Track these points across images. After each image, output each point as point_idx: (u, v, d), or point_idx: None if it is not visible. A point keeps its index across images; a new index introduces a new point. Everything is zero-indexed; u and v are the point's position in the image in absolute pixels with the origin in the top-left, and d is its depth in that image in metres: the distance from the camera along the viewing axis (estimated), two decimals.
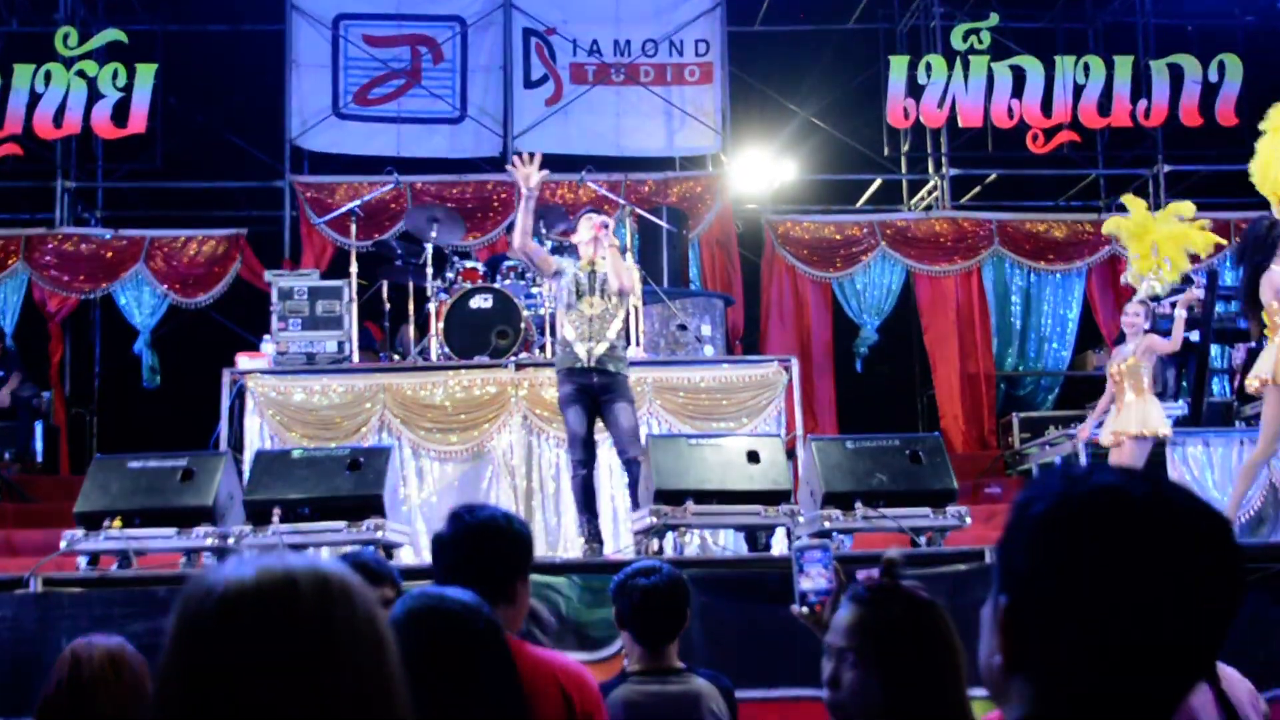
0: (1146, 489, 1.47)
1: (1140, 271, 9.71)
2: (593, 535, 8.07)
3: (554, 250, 11.31)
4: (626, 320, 8.57)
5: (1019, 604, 1.49)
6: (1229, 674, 4.41)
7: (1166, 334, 9.67)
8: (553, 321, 10.28)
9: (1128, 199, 10.11)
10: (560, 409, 8.35)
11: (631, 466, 8.04)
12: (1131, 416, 9.35)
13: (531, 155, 8.41)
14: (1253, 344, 11.80)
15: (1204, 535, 1.46)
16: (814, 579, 3.30)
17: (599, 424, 8.41)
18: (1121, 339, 9.92)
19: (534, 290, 10.68)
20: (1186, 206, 9.84)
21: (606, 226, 8.26)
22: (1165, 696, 1.48)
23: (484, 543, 3.43)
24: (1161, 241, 9.60)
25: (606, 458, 9.23)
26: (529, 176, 8.22)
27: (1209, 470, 10.31)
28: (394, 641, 2.71)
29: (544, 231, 11.38)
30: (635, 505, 7.98)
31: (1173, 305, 11.45)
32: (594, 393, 8.13)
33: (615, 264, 8.15)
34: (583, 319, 8.15)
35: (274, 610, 1.44)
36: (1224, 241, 10.28)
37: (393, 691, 1.51)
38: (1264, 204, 15.11)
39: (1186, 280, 11.01)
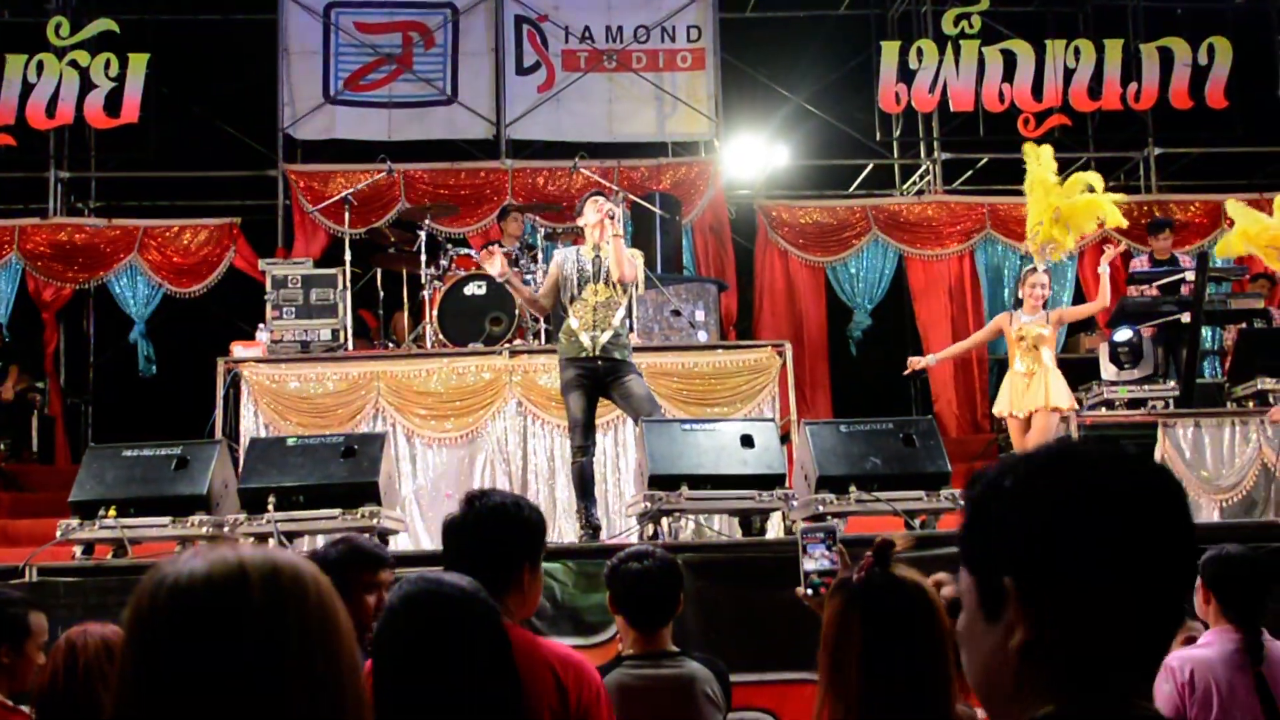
0: (1110, 450, 1.53)
1: (1042, 239, 9.55)
2: (589, 521, 8.08)
3: (547, 236, 11.35)
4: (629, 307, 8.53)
5: (1026, 581, 1.50)
6: (1275, 650, 4.41)
7: (1145, 316, 9.63)
8: None
9: (1035, 150, 9.92)
10: (562, 394, 8.32)
11: None
12: (1051, 390, 9.26)
13: (490, 249, 8.36)
14: (1244, 325, 11.84)
15: (1168, 493, 1.51)
16: (817, 560, 3.33)
17: (605, 407, 8.42)
18: (1018, 305, 9.66)
19: (528, 277, 10.69)
20: (1095, 178, 9.75)
21: (613, 217, 8.16)
22: (1152, 656, 1.52)
23: (493, 529, 3.45)
24: (1066, 210, 9.48)
25: (603, 444, 9.26)
26: (495, 265, 8.21)
27: (1201, 452, 10.32)
28: (387, 627, 2.74)
29: (535, 218, 11.40)
30: None
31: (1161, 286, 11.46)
32: (599, 377, 8.09)
33: (618, 253, 8.08)
34: (586, 307, 8.09)
35: (223, 601, 1.45)
36: (1123, 219, 10.03)
37: (345, 681, 1.50)
38: (1254, 187, 15.21)
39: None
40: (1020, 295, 9.58)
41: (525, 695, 3.26)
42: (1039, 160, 9.81)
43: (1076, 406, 9.66)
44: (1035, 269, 9.54)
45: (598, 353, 8.04)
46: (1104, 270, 9.73)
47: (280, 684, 1.43)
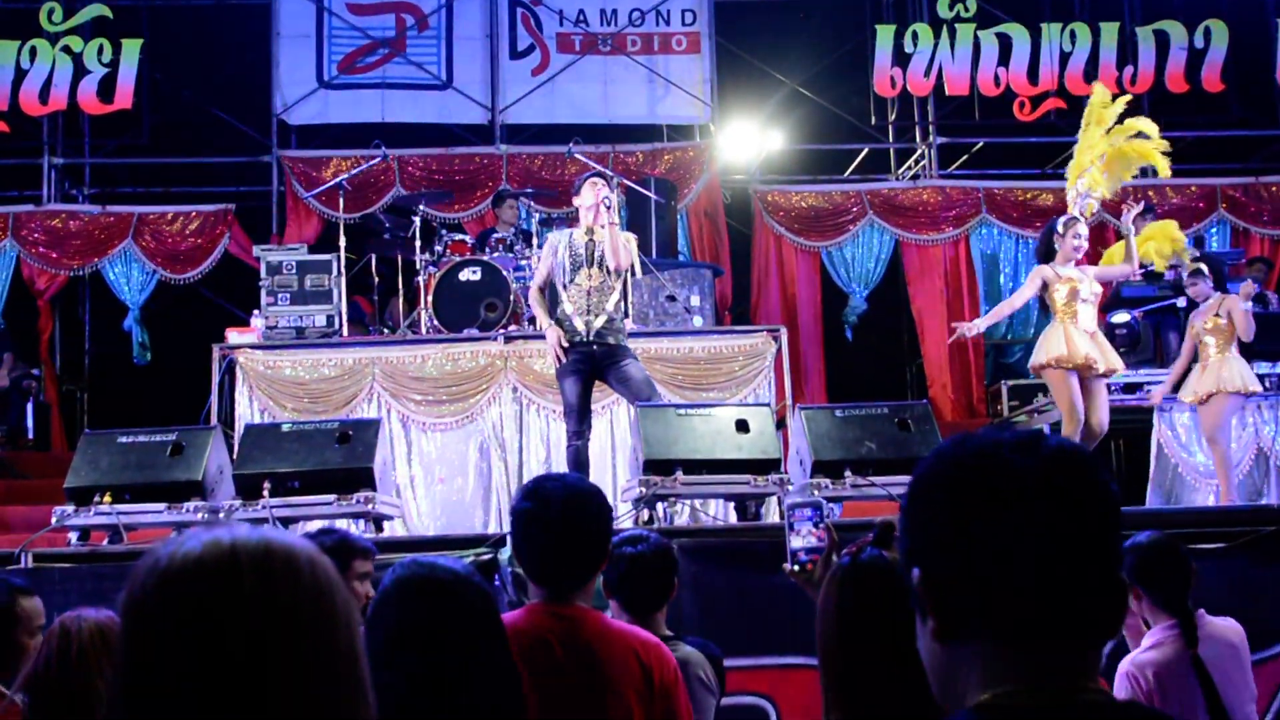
0: (1014, 438, 1.52)
1: (1087, 187, 8.88)
2: None
3: (542, 222, 11.33)
4: (624, 292, 8.49)
5: (929, 571, 1.52)
6: (1215, 629, 4.41)
7: (1138, 302, 9.37)
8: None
9: (1106, 94, 9.33)
10: (557, 379, 8.31)
11: None
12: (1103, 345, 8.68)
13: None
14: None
15: (1075, 476, 1.50)
16: (805, 537, 3.31)
17: (601, 391, 8.40)
18: (1050, 257, 8.67)
19: (522, 262, 10.67)
20: (1148, 124, 9.24)
21: (609, 205, 8.11)
22: (1080, 633, 1.49)
23: (596, 513, 3.46)
24: (1112, 155, 8.98)
25: (598, 428, 9.24)
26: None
27: (1195, 435, 10.32)
28: (379, 610, 2.73)
29: (530, 203, 11.38)
30: None
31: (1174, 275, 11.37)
32: (595, 361, 8.06)
33: (614, 241, 8.03)
34: (580, 292, 8.06)
35: (212, 585, 1.43)
36: (1168, 169, 9.45)
37: (341, 665, 1.49)
38: (1250, 171, 15.19)
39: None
40: (1056, 246, 8.57)
41: (611, 678, 3.28)
42: (1106, 104, 9.16)
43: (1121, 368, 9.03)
44: (1077, 219, 8.63)
45: (592, 338, 8.01)
46: (1129, 230, 8.88)
47: (271, 670, 1.42)
